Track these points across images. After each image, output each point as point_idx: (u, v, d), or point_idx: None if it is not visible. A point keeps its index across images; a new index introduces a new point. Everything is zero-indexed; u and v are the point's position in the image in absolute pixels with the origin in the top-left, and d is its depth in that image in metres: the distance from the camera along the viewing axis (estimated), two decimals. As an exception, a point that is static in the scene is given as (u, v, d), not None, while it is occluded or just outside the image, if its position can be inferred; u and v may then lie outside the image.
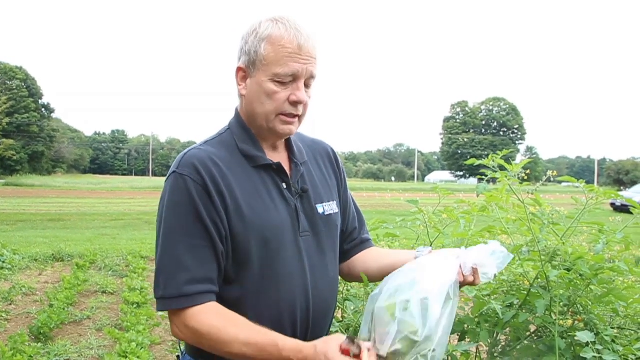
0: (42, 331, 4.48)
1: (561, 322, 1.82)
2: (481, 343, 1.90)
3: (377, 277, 1.40)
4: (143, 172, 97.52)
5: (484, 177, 1.93)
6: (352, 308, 2.05)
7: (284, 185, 1.31)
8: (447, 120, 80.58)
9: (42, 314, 4.80)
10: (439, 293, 1.11)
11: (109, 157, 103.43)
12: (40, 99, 61.80)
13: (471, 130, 77.49)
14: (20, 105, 57.06)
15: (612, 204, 18.69)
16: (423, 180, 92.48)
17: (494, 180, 1.94)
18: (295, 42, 1.22)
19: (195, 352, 1.28)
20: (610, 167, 67.60)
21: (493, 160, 1.86)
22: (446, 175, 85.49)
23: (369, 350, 1.09)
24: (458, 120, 79.18)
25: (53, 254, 7.87)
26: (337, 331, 1.94)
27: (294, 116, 1.28)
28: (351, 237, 1.50)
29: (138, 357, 3.85)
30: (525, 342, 1.89)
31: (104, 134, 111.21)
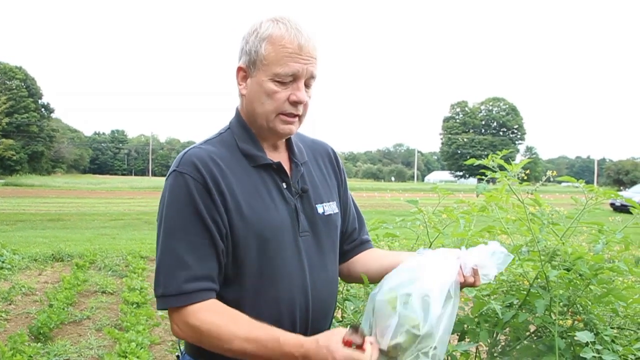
0: (41, 331, 4.48)
1: (561, 322, 1.82)
2: (481, 343, 1.90)
3: (377, 279, 1.40)
4: (143, 172, 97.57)
5: (483, 177, 1.93)
6: (352, 308, 2.05)
7: (284, 185, 1.32)
8: (446, 120, 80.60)
9: (42, 314, 4.80)
10: (439, 291, 1.11)
11: (108, 157, 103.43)
12: (40, 98, 61.78)
13: (471, 130, 77.50)
14: (20, 105, 57.03)
15: (612, 204, 18.71)
16: (423, 180, 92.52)
17: (493, 180, 1.94)
18: (296, 42, 1.23)
19: (195, 351, 1.28)
20: (609, 167, 67.65)
21: (493, 160, 1.86)
22: (446, 175, 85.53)
23: (371, 344, 1.08)
24: (458, 120, 79.19)
25: (53, 254, 7.86)
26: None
27: (294, 116, 1.28)
28: (351, 238, 1.50)
29: (138, 357, 3.85)
30: (525, 342, 1.89)
31: (103, 133, 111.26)
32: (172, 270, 1.18)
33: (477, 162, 1.96)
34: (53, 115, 67.55)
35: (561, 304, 1.82)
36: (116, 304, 5.56)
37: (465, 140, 76.14)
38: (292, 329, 1.26)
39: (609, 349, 1.64)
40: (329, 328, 1.40)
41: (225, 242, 1.22)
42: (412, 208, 2.15)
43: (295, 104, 1.26)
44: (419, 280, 1.12)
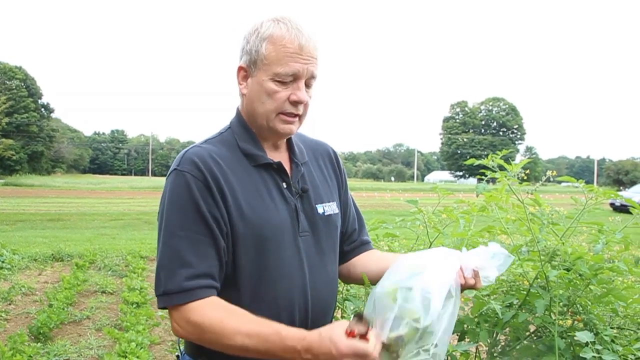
0: (41, 331, 4.48)
1: (561, 322, 1.82)
2: (481, 343, 1.90)
3: (377, 280, 1.40)
4: (142, 172, 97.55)
5: (483, 177, 1.93)
6: (352, 308, 2.05)
7: (284, 185, 1.32)
8: (446, 120, 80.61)
9: (42, 314, 4.80)
10: (439, 288, 1.11)
11: (108, 157, 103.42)
12: (40, 98, 61.75)
13: (471, 130, 77.51)
14: (20, 105, 57.01)
15: (612, 204, 18.71)
16: (422, 180, 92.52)
17: (493, 180, 1.94)
18: (297, 42, 1.23)
19: (194, 351, 1.28)
20: (609, 167, 67.68)
21: (492, 160, 1.86)
22: (446, 175, 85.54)
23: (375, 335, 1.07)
24: (457, 120, 79.20)
25: (52, 254, 7.86)
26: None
27: (294, 116, 1.28)
28: (351, 239, 1.50)
29: (137, 357, 3.85)
30: (525, 342, 1.89)
31: (103, 133, 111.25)
32: (173, 268, 1.18)
33: (477, 162, 1.96)
34: (53, 115, 67.57)
35: (561, 304, 1.82)
36: (116, 304, 5.56)
37: (465, 140, 76.15)
38: (292, 329, 1.26)
39: (608, 349, 1.64)
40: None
41: (226, 240, 1.22)
42: (412, 208, 2.15)
43: (295, 103, 1.26)
44: (420, 276, 1.11)
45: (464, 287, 1.21)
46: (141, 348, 4.02)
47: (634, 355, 1.63)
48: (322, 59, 1.29)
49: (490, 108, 78.36)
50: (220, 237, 1.20)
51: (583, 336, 1.61)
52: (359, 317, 1.05)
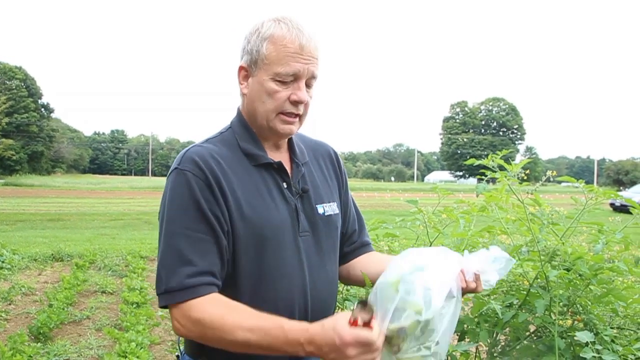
0: (41, 331, 4.48)
1: (561, 322, 1.82)
2: (481, 343, 1.90)
3: None
4: (142, 172, 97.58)
5: (483, 177, 1.93)
6: (352, 309, 2.05)
7: (285, 185, 1.32)
8: (446, 120, 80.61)
9: (42, 314, 4.80)
10: (440, 285, 1.10)
11: (108, 157, 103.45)
12: (40, 98, 61.77)
13: (471, 130, 77.51)
14: (20, 105, 57.01)
15: (612, 204, 18.71)
16: (422, 180, 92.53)
17: (493, 180, 1.94)
18: (297, 42, 1.23)
19: (194, 351, 1.28)
20: (609, 167, 67.69)
21: (492, 160, 1.86)
22: (446, 175, 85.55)
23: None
24: (457, 120, 79.20)
25: (52, 254, 7.86)
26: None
27: (295, 115, 1.28)
28: (351, 240, 1.50)
29: (137, 357, 3.85)
30: (525, 342, 1.89)
31: (103, 133, 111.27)
32: (174, 267, 1.17)
33: (477, 162, 1.95)
34: (53, 115, 67.58)
35: (561, 304, 1.82)
36: (116, 304, 5.56)
37: (465, 140, 76.15)
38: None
39: (608, 349, 1.64)
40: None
41: (227, 239, 1.21)
42: (412, 208, 2.15)
43: (295, 103, 1.26)
44: (422, 272, 1.11)
45: (465, 291, 1.20)
46: (141, 348, 4.02)
47: (634, 355, 1.63)
48: (322, 59, 1.29)
49: (490, 108, 78.37)
50: (222, 235, 1.20)
51: (583, 336, 1.61)
52: (363, 303, 1.04)
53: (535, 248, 1.82)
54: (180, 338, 1.35)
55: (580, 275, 1.79)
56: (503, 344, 1.98)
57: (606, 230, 1.88)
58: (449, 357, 1.80)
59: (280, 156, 1.35)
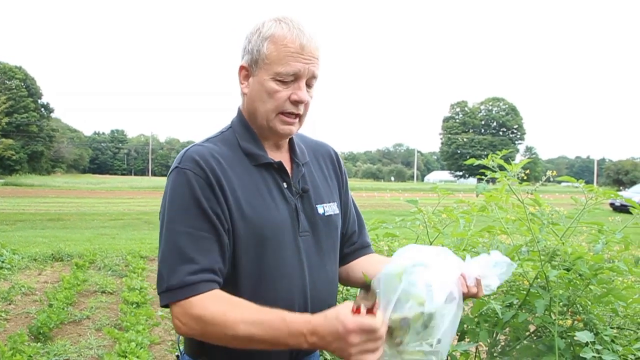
0: (41, 331, 4.48)
1: (560, 322, 1.82)
2: (480, 343, 1.90)
3: None
4: (142, 172, 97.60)
5: (483, 177, 1.93)
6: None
7: (285, 185, 1.32)
8: (446, 120, 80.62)
9: (42, 314, 4.80)
10: (441, 283, 1.10)
11: (108, 157, 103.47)
12: (40, 98, 61.79)
13: (470, 130, 77.52)
14: (20, 104, 57.02)
15: (612, 204, 18.71)
16: (422, 180, 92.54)
17: (493, 180, 1.94)
18: (298, 42, 1.23)
19: (194, 351, 1.28)
20: (609, 167, 67.71)
21: (492, 160, 1.86)
22: (445, 175, 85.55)
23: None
24: (457, 120, 79.21)
25: (52, 254, 7.85)
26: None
27: (295, 116, 1.28)
28: (351, 241, 1.50)
29: (137, 357, 3.85)
30: (525, 342, 1.89)
31: (103, 133, 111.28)
32: (175, 265, 1.17)
33: (477, 162, 1.95)
34: (53, 115, 67.58)
35: (561, 304, 1.82)
36: (116, 304, 5.56)
37: (465, 140, 76.15)
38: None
39: (608, 349, 1.64)
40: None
41: (228, 237, 1.21)
42: (412, 208, 2.15)
43: (296, 103, 1.26)
44: (423, 268, 1.11)
45: (467, 296, 1.19)
46: (141, 348, 4.02)
47: (634, 355, 1.63)
48: (323, 59, 1.29)
49: (490, 108, 78.38)
50: (223, 233, 1.20)
51: (583, 336, 1.61)
52: (366, 290, 1.03)
53: (535, 248, 1.82)
54: (180, 338, 1.35)
55: (580, 275, 1.79)
56: (503, 344, 1.98)
57: (606, 230, 1.88)
58: (449, 357, 1.80)
59: (280, 156, 1.35)
